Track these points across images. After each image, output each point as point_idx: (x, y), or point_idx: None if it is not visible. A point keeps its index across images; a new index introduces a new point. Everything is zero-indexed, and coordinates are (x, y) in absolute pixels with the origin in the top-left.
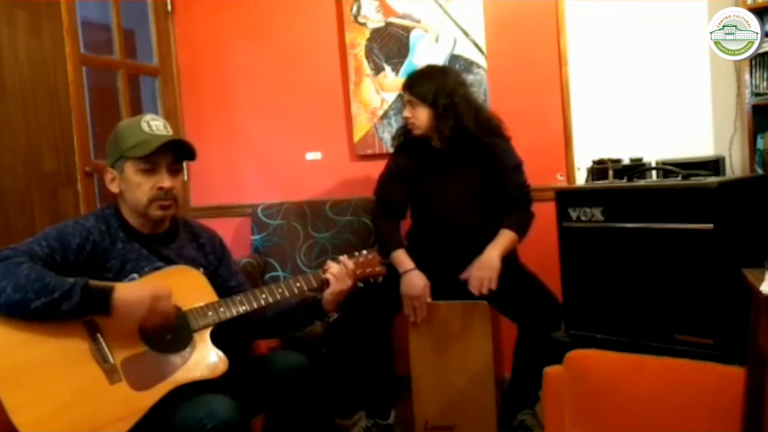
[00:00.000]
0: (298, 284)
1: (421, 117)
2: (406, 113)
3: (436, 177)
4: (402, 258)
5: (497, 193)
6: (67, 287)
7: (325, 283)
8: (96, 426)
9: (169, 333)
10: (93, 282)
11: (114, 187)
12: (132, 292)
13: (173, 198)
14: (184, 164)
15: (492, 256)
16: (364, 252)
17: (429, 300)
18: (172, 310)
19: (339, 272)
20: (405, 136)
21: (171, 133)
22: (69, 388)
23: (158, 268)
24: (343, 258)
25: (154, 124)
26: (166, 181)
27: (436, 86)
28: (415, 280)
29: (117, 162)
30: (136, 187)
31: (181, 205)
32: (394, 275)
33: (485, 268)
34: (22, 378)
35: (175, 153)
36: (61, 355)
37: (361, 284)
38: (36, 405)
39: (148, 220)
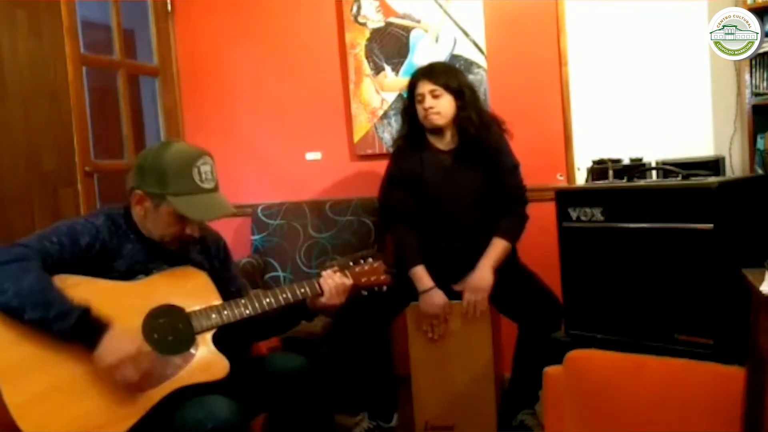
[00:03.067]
0: (302, 290)
1: (445, 106)
2: (429, 104)
3: (438, 178)
4: (421, 275)
5: (496, 192)
6: (65, 309)
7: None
8: (96, 425)
9: (171, 334)
10: (95, 313)
11: (139, 210)
12: (123, 339)
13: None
14: None
15: (483, 275)
16: (370, 260)
17: (448, 318)
18: (139, 374)
19: (336, 288)
20: (408, 136)
21: (216, 181)
22: (70, 387)
23: (164, 270)
24: (341, 274)
25: (204, 171)
26: (196, 231)
27: (459, 78)
28: (434, 300)
29: (154, 193)
30: (164, 225)
31: None
32: (395, 278)
33: (476, 290)
34: (24, 375)
35: None
36: (63, 354)
37: (365, 292)
38: (37, 403)
39: None
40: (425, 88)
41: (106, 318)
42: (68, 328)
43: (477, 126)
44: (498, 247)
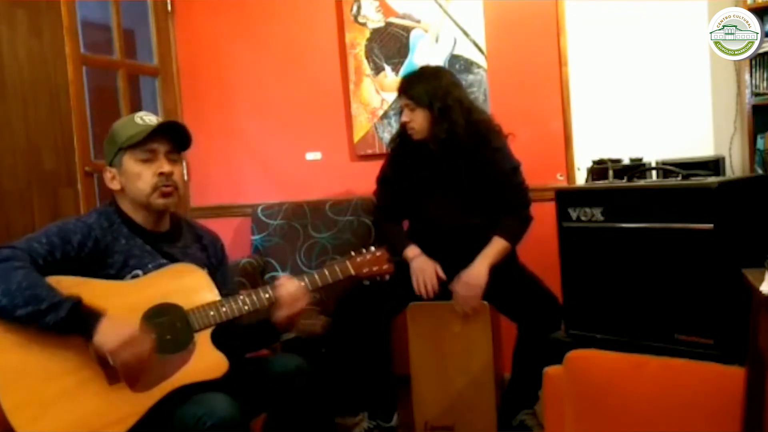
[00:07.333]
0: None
1: (419, 120)
2: (405, 117)
3: (432, 180)
4: (411, 249)
5: (495, 196)
6: (56, 300)
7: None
8: (95, 427)
9: (169, 333)
10: (86, 304)
11: (115, 185)
12: (119, 324)
13: (174, 185)
14: (184, 164)
15: (479, 271)
16: (372, 249)
17: (442, 276)
18: (145, 355)
19: (291, 295)
20: (401, 138)
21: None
22: (68, 389)
23: (162, 266)
24: (294, 281)
25: (147, 118)
26: (165, 166)
27: (431, 88)
28: (424, 260)
29: (115, 158)
30: (137, 178)
31: (181, 205)
32: (395, 274)
33: (470, 286)
34: (21, 378)
35: (173, 142)
36: (60, 356)
37: (367, 282)
38: (34, 405)
39: (151, 213)
40: (401, 101)
41: (100, 309)
42: (61, 319)
43: (441, 142)
44: (496, 245)
